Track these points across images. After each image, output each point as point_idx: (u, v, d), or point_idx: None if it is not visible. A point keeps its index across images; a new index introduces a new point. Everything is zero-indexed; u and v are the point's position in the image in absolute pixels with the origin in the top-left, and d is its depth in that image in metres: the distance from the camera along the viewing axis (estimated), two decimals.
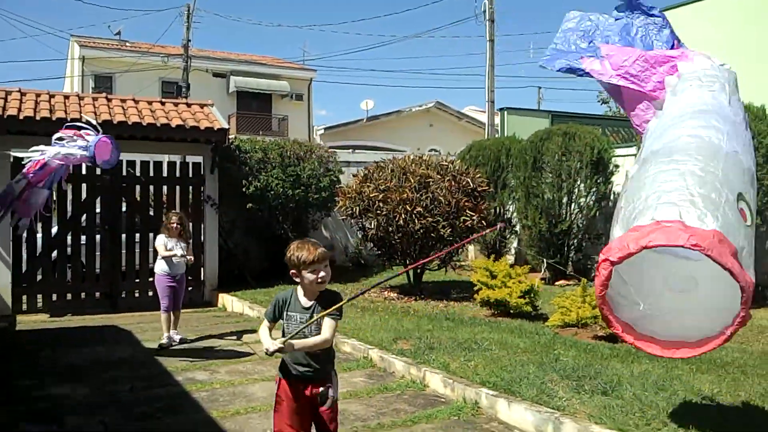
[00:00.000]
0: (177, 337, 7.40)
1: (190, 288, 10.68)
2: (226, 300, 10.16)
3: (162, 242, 7.30)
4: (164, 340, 7.27)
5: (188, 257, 7.42)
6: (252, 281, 10.90)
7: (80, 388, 5.55)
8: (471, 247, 13.79)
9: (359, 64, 79.65)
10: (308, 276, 3.11)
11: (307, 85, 31.51)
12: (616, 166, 11.20)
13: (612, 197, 11.61)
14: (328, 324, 3.09)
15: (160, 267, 7.38)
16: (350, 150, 16.09)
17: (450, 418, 4.71)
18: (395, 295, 9.97)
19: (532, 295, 8.02)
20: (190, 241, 7.57)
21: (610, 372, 5.20)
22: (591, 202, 11.01)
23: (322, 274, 3.12)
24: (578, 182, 10.92)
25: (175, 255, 7.27)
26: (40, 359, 6.64)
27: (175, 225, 7.30)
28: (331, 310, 3.06)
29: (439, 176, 9.36)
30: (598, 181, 10.91)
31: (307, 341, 3.08)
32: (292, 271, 3.17)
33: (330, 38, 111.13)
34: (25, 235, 9.66)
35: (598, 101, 32.00)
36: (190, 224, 10.79)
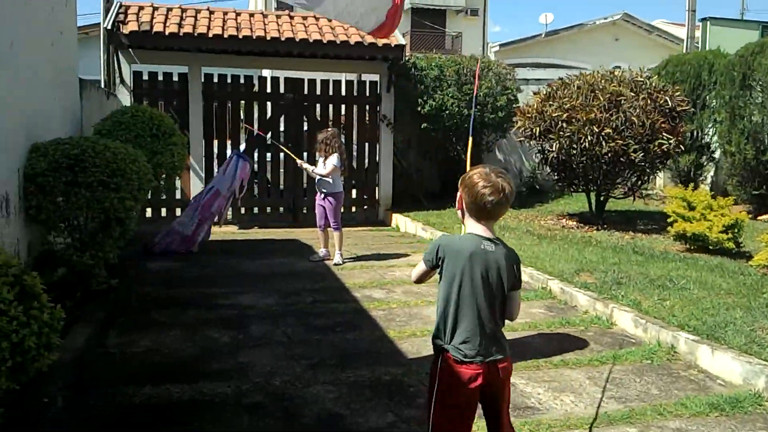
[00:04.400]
0: (338, 258, 7.37)
1: (365, 207, 10.92)
2: (399, 220, 10.21)
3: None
4: (313, 256, 7.61)
5: (299, 162, 8.07)
6: (425, 202, 10.85)
7: (264, 297, 5.80)
8: (660, 175, 12.65)
9: None
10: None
11: None
12: None
13: None
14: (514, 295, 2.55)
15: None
16: (528, 68, 15.21)
17: (642, 362, 4.30)
18: (574, 223, 9.42)
19: (735, 230, 7.16)
20: (330, 157, 7.28)
21: None
22: None
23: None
24: None
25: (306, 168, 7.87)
26: (229, 269, 7.06)
27: (318, 143, 7.47)
28: None
29: (632, 94, 8.48)
30: None
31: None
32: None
33: None
34: (216, 151, 10.28)
35: None
36: (367, 144, 10.91)
